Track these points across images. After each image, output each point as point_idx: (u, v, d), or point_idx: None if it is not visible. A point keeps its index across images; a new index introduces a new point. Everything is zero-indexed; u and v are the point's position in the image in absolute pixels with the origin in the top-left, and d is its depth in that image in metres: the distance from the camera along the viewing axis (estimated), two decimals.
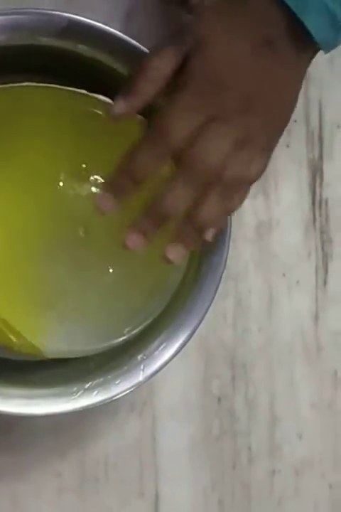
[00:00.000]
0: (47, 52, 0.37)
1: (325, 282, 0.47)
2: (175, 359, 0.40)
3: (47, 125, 0.36)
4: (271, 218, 0.46)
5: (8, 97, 0.36)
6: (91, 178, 0.36)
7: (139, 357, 0.39)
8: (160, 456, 0.45)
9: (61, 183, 0.36)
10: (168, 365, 0.40)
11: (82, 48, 0.37)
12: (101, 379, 0.38)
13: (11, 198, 0.36)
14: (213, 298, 0.40)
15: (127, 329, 0.37)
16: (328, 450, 0.48)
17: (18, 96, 0.36)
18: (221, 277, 0.39)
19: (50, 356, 0.37)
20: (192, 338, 0.41)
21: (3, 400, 0.37)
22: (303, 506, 0.47)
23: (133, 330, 0.38)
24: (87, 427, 0.44)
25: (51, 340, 0.37)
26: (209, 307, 0.40)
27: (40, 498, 0.43)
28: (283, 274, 0.47)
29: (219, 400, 0.46)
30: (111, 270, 0.36)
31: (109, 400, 0.38)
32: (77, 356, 0.38)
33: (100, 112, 0.36)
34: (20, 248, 0.36)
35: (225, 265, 0.39)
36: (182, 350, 0.40)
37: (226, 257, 0.39)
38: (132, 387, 0.38)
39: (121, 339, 0.38)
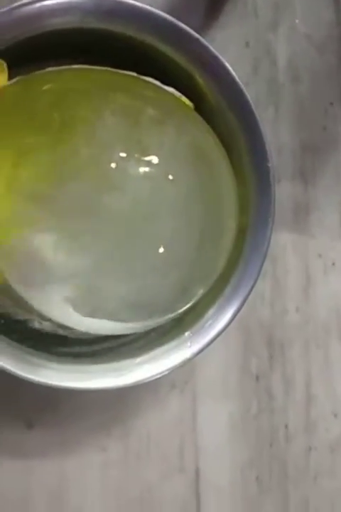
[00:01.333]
0: (94, 34, 0.38)
1: None
2: None
3: (99, 106, 0.36)
4: (308, 200, 0.47)
5: (65, 78, 0.37)
6: (145, 159, 0.36)
7: (186, 334, 0.40)
8: (199, 433, 0.46)
9: (113, 165, 0.36)
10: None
11: (130, 30, 0.38)
12: (150, 355, 0.39)
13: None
14: (257, 277, 0.40)
15: (177, 306, 0.38)
16: None
17: (73, 78, 0.37)
18: (265, 256, 0.40)
19: (103, 332, 0.38)
20: None
21: (57, 374, 0.37)
22: (338, 482, 0.48)
23: (181, 307, 0.38)
24: (130, 404, 0.45)
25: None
26: (253, 286, 0.40)
27: (86, 472, 0.44)
28: (319, 255, 0.48)
29: (257, 378, 0.47)
30: (161, 250, 0.37)
31: (159, 376, 0.39)
32: (127, 332, 0.38)
33: (152, 94, 0.37)
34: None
35: (269, 244, 0.40)
36: None
37: (270, 236, 0.40)
38: (180, 363, 0.39)
39: (170, 316, 0.38)
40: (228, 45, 0.45)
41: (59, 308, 0.37)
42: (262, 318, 0.47)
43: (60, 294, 0.36)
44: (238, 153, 0.39)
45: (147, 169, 0.36)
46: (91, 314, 0.37)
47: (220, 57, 0.38)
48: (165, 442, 0.45)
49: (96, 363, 0.38)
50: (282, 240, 0.46)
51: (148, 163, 0.36)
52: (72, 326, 0.37)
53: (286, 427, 0.47)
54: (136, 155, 0.36)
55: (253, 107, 0.38)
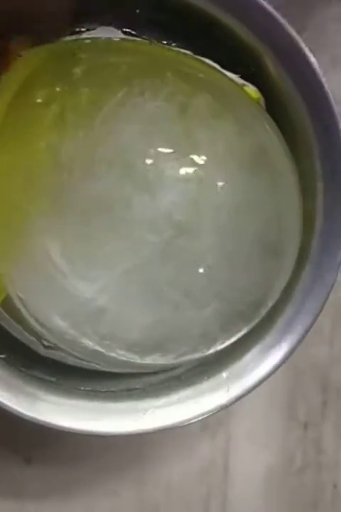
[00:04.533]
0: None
1: None
2: None
3: (139, 86, 0.30)
4: None
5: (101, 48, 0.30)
6: (190, 157, 0.29)
7: (224, 375, 0.32)
8: (230, 485, 0.39)
9: (149, 161, 0.29)
10: None
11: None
12: (177, 396, 0.32)
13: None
14: (318, 314, 0.32)
15: (212, 344, 0.30)
16: None
17: (110, 49, 0.30)
18: (331, 287, 0.32)
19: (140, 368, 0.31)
20: None
21: (56, 409, 0.30)
22: None
23: (218, 346, 0.31)
24: (150, 443, 0.38)
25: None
26: (311, 325, 0.33)
27: None
28: None
29: (306, 426, 0.39)
30: (200, 272, 0.29)
31: (184, 423, 0.31)
32: (146, 370, 0.31)
33: (209, 79, 0.29)
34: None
35: (337, 273, 0.32)
36: None
37: (340, 263, 0.32)
38: (213, 410, 0.32)
39: (203, 354, 0.31)
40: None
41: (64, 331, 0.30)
42: (317, 357, 0.39)
43: (68, 314, 0.30)
44: (308, 161, 0.31)
45: (191, 170, 0.29)
46: (106, 344, 0.30)
47: (298, 38, 0.29)
48: (189, 493, 0.38)
49: (110, 401, 0.31)
50: None
51: (194, 163, 0.29)
52: (80, 355, 0.30)
53: (335, 486, 0.39)
54: (180, 151, 0.29)
55: (333, 105, 0.30)
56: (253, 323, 0.31)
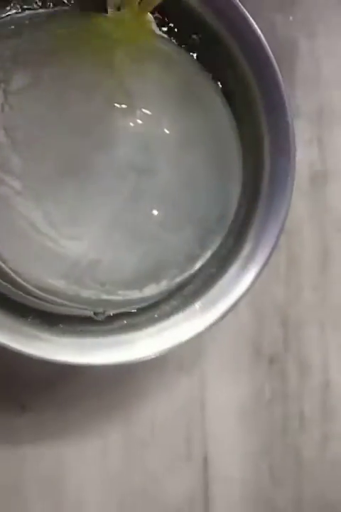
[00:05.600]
0: None
1: None
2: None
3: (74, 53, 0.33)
4: (326, 169, 0.44)
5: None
6: (129, 104, 0.33)
7: (197, 306, 0.36)
8: (208, 419, 0.42)
9: (97, 121, 0.33)
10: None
11: None
12: (157, 328, 0.36)
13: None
14: (275, 245, 0.37)
15: (195, 260, 0.35)
16: None
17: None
18: (284, 221, 0.37)
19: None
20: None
21: (57, 349, 0.34)
22: None
23: (200, 259, 0.36)
24: (133, 387, 0.41)
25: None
26: (269, 256, 0.37)
27: (84, 460, 0.40)
28: (339, 230, 0.44)
29: (271, 361, 0.43)
30: (168, 202, 0.33)
31: (166, 351, 0.35)
32: (142, 304, 0.35)
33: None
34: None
35: (288, 208, 0.37)
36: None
37: (290, 199, 0.37)
38: (191, 337, 0.36)
39: (190, 272, 0.35)
40: None
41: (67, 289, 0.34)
42: (276, 296, 0.43)
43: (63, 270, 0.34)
44: (253, 109, 0.36)
45: (134, 118, 0.33)
46: (108, 289, 0.34)
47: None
48: (172, 429, 0.42)
49: (99, 336, 0.35)
50: (297, 211, 0.43)
51: (134, 110, 0.33)
52: (85, 306, 0.35)
53: (301, 414, 0.44)
54: (121, 103, 0.33)
55: (271, 56, 0.35)
56: (222, 236, 0.35)
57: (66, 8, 0.34)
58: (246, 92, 0.36)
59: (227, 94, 0.36)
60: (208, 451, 0.42)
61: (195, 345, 0.41)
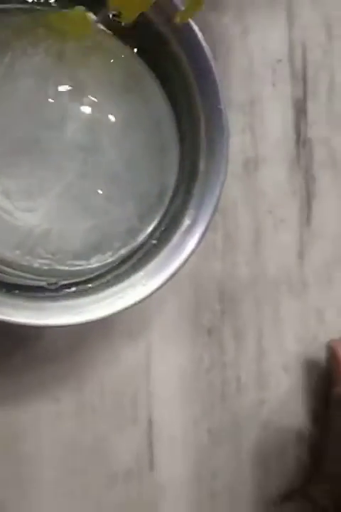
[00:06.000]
0: None
1: (308, 220, 0.49)
2: (167, 288, 0.41)
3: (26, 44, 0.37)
4: (257, 155, 0.48)
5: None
6: (77, 92, 0.37)
7: (140, 274, 0.40)
8: (153, 385, 0.46)
9: (50, 102, 0.37)
10: (162, 294, 0.41)
11: None
12: (105, 294, 0.39)
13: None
14: (210, 219, 0.41)
15: (118, 245, 0.39)
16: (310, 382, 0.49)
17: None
18: (219, 197, 0.41)
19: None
20: (184, 268, 0.41)
21: (14, 310, 0.37)
22: (287, 433, 0.49)
23: (124, 246, 0.39)
24: (84, 354, 0.45)
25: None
26: (206, 230, 0.41)
27: (39, 423, 0.44)
28: (270, 212, 0.49)
29: (209, 332, 0.47)
30: (113, 178, 0.38)
31: (113, 314, 0.39)
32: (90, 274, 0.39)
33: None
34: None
35: (223, 186, 0.41)
36: (175, 279, 0.41)
37: (224, 178, 0.41)
38: (135, 302, 0.39)
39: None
40: None
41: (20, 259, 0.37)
42: (214, 271, 0.47)
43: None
44: (189, 95, 0.40)
45: (82, 102, 0.37)
46: (58, 258, 0.38)
47: None
48: (120, 394, 0.45)
49: (52, 301, 0.38)
50: (232, 194, 0.47)
51: (82, 95, 0.37)
52: (36, 276, 0.38)
53: (238, 380, 0.48)
54: (71, 88, 0.37)
55: (204, 45, 0.39)
56: (162, 211, 0.39)
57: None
58: (184, 82, 0.40)
59: (167, 84, 0.40)
60: (153, 414, 0.46)
61: (141, 315, 0.45)
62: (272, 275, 0.48)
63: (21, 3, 0.39)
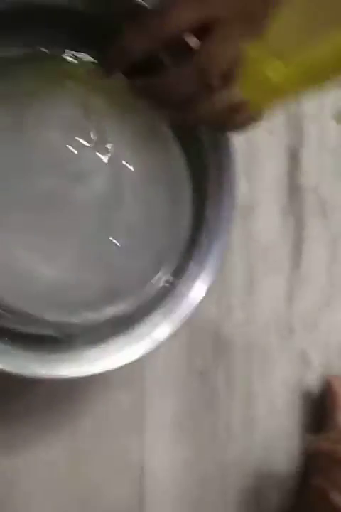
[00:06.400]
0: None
1: (298, 265, 0.50)
2: None
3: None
4: (252, 201, 0.49)
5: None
6: (101, 145, 0.37)
7: (147, 325, 0.40)
8: (147, 429, 0.46)
9: (74, 156, 0.37)
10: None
11: None
12: (110, 346, 0.39)
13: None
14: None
15: (130, 297, 0.39)
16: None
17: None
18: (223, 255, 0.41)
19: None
20: None
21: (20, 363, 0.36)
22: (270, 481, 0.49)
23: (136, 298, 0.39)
24: (80, 401, 0.44)
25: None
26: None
27: (33, 469, 0.43)
28: (262, 256, 0.49)
29: (201, 374, 0.47)
30: (130, 230, 0.38)
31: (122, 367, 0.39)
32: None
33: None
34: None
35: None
36: None
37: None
38: (141, 355, 0.39)
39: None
40: None
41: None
42: (209, 315, 0.47)
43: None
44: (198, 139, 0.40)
45: (106, 156, 0.37)
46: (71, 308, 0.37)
47: None
48: (114, 437, 0.45)
49: (53, 353, 0.38)
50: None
51: (106, 150, 0.37)
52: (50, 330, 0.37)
53: (228, 424, 0.48)
54: (95, 142, 0.37)
55: None
56: (175, 264, 0.39)
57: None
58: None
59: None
60: (144, 460, 0.46)
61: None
62: (263, 319, 0.49)
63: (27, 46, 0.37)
